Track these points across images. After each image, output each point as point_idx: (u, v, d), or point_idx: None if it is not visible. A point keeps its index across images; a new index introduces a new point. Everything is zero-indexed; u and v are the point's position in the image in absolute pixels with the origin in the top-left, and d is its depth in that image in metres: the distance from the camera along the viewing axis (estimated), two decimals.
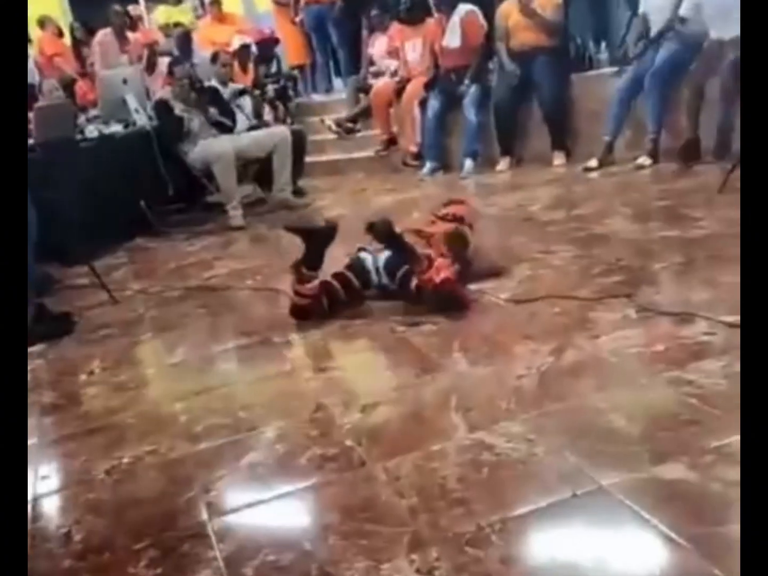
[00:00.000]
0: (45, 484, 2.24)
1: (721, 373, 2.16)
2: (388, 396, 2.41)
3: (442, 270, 3.00)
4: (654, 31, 5.25)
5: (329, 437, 2.19)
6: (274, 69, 7.58)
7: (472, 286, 3.26)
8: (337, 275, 3.28)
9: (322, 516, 1.83)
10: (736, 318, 2.41)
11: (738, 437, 1.78)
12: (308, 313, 3.22)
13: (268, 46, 7.47)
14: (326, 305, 3.22)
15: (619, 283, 3.08)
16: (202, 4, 8.41)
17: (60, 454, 2.43)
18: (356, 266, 3.33)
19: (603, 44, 6.21)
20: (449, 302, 3.01)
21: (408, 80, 6.56)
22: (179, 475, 2.14)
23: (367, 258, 3.34)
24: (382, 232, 3.13)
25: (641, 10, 5.41)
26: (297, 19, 7.84)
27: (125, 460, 2.27)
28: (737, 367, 2.15)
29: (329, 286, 3.24)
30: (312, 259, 3.19)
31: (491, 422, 2.10)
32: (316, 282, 3.18)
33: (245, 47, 7.07)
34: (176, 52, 6.03)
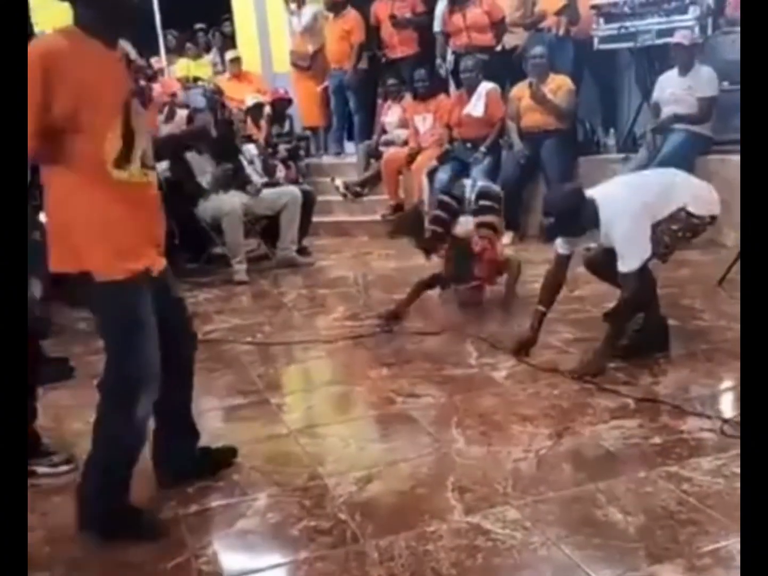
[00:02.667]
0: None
1: (719, 471, 2.16)
2: (385, 469, 2.40)
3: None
4: (664, 120, 5.39)
5: (322, 508, 2.17)
6: (287, 128, 7.73)
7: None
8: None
9: None
10: (735, 414, 2.42)
11: (735, 541, 1.77)
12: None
13: (281, 105, 7.65)
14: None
15: (617, 369, 3.10)
16: (222, 60, 8.62)
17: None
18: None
19: (611, 130, 6.36)
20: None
21: (418, 151, 6.71)
22: (169, 538, 2.11)
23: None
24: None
25: (653, 99, 5.56)
26: (322, 86, 8.06)
27: None
28: (735, 467, 2.15)
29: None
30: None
31: (488, 505, 2.09)
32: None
33: (258, 105, 7.25)
34: (201, 104, 6.15)
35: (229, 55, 8.23)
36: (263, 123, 7.35)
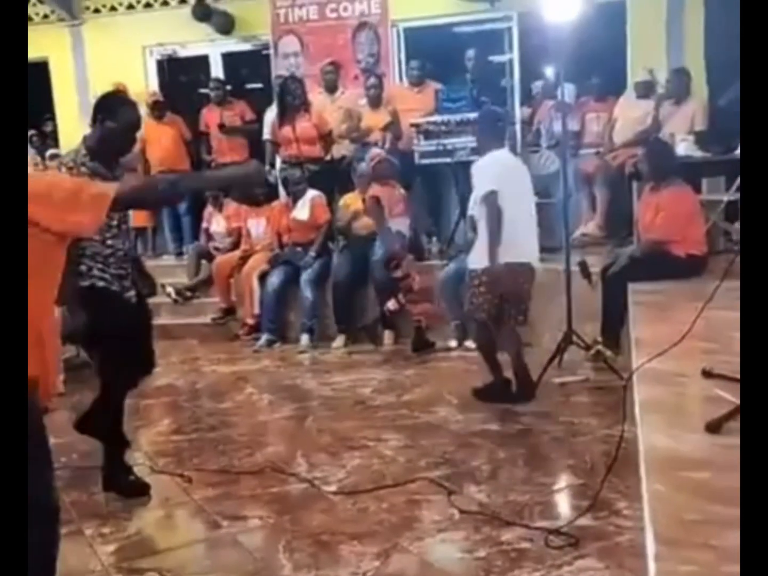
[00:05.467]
0: None
1: None
2: None
3: None
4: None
5: None
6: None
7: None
8: None
9: None
10: (553, 523, 2.54)
11: None
12: None
13: None
14: None
15: (444, 477, 3.17)
16: (42, 158, 8.29)
17: None
18: None
19: (434, 238, 6.74)
20: None
21: (251, 254, 6.74)
22: None
23: None
24: None
25: (469, 213, 5.96)
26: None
27: None
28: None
29: None
30: None
31: None
32: None
33: None
34: None
35: (50, 152, 7.95)
36: None
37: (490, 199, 4.16)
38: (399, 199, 6.19)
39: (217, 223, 7.25)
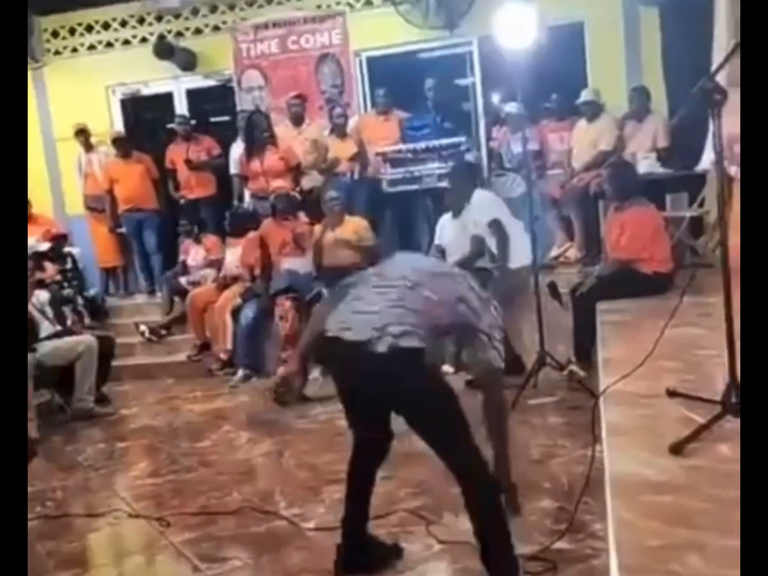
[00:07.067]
0: None
1: None
2: None
3: None
4: (450, 259, 5.81)
5: None
6: (69, 265, 7.43)
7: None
8: None
9: None
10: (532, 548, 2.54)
11: None
12: None
13: (57, 243, 7.42)
14: None
15: (422, 508, 3.17)
16: None
17: None
18: None
19: None
20: None
21: (227, 284, 6.73)
22: None
23: None
24: None
25: (436, 241, 5.98)
26: (118, 231, 7.92)
27: None
28: None
29: None
30: None
31: None
32: None
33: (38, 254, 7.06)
34: None
35: None
36: (48, 264, 7.07)
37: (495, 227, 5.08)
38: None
39: (195, 254, 7.22)
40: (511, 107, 6.58)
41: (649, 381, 2.31)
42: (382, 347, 2.21)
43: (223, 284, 6.76)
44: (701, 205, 5.74)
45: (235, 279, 6.73)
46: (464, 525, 2.95)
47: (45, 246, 7.26)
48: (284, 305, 5.93)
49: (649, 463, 1.75)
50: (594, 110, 6.52)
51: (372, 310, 2.35)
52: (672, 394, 2.21)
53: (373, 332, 2.24)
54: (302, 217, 6.21)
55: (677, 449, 1.76)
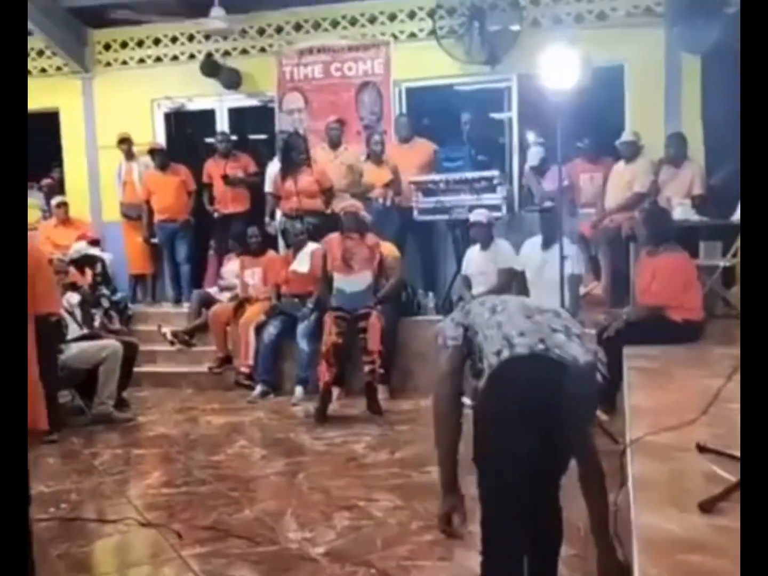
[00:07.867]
0: None
1: None
2: None
3: None
4: (475, 290, 5.83)
5: None
6: (99, 270, 7.53)
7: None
8: None
9: None
10: None
11: None
12: None
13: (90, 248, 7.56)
14: None
15: (435, 542, 3.13)
16: (48, 204, 8.36)
17: None
18: None
19: (431, 293, 6.78)
20: None
21: (245, 301, 6.80)
22: None
23: None
24: None
25: (462, 272, 6.02)
26: (153, 240, 8.04)
27: None
28: None
29: None
30: None
31: None
32: None
33: (87, 257, 7.19)
34: None
35: (56, 199, 8.04)
36: (88, 270, 7.17)
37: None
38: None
39: (231, 264, 7.40)
40: (533, 155, 6.65)
41: (679, 433, 2.27)
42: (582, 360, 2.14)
43: (243, 303, 6.84)
44: (735, 255, 5.68)
45: (248, 299, 6.81)
46: (474, 561, 2.93)
47: (90, 250, 7.40)
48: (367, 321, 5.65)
49: (678, 521, 1.71)
50: (633, 151, 6.52)
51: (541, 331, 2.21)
52: (702, 449, 2.17)
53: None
54: (370, 237, 6.09)
55: (708, 507, 1.72)
